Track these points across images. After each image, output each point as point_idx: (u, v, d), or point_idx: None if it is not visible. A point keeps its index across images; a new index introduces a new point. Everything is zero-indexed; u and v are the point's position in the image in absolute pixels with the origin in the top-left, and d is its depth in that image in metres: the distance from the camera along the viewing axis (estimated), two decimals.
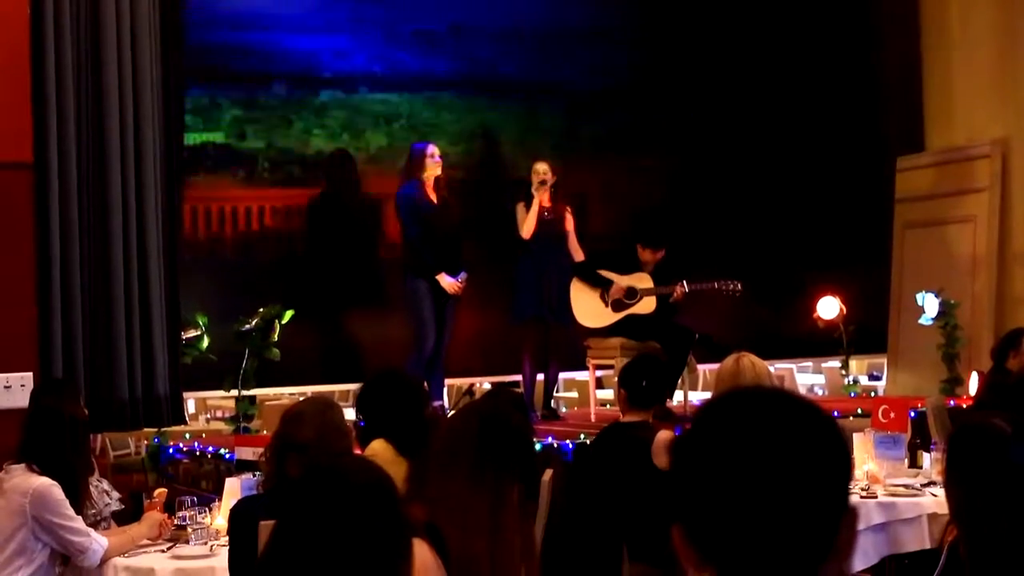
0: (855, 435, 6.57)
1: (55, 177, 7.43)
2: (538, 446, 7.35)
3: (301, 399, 6.12)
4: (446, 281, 8.45)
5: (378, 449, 4.68)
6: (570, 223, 8.82)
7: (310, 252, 9.53)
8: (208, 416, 10.78)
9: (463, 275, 8.54)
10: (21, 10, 7.42)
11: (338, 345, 9.61)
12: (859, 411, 8.43)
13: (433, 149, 8.64)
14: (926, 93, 11.23)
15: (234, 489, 5.27)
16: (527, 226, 8.61)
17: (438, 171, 8.62)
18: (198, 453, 7.87)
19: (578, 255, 8.79)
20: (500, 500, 2.99)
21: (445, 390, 9.05)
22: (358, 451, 4.64)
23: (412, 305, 8.52)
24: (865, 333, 10.67)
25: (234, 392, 8.13)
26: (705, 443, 1.58)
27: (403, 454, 4.40)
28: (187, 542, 5.14)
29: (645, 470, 5.56)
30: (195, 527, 5.19)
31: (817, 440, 1.57)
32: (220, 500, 5.45)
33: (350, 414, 5.41)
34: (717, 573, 1.55)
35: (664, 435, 5.69)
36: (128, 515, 5.82)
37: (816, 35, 11.17)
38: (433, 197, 8.59)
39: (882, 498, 6.00)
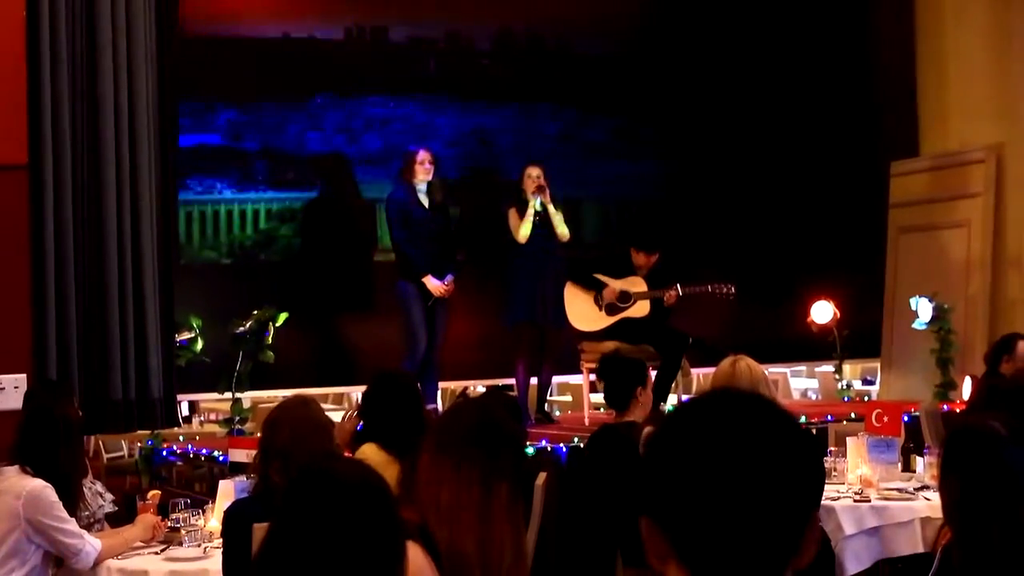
0: (849, 439, 6.58)
1: (50, 179, 7.42)
2: (532, 449, 7.35)
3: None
4: (432, 283, 8.46)
5: (368, 453, 4.70)
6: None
7: (305, 255, 9.53)
8: (202, 418, 10.77)
9: (450, 277, 8.54)
10: (17, 11, 7.41)
11: (332, 348, 9.62)
12: (853, 415, 8.43)
13: (424, 155, 8.62)
14: (921, 98, 11.24)
15: (227, 491, 5.26)
16: (523, 231, 8.60)
17: (428, 177, 8.61)
18: (192, 455, 7.87)
19: (564, 236, 8.70)
20: (489, 501, 2.99)
21: (439, 393, 9.04)
22: (347, 454, 4.66)
23: (402, 308, 8.53)
24: (859, 337, 10.67)
25: (228, 394, 8.13)
26: (681, 439, 1.61)
27: (399, 457, 4.40)
28: (180, 544, 5.14)
29: (633, 470, 5.54)
30: (188, 529, 5.18)
31: (789, 446, 1.59)
32: (213, 502, 5.44)
33: (337, 416, 5.47)
34: (682, 567, 1.57)
35: (650, 431, 5.69)
36: (121, 517, 5.81)
37: (812, 40, 11.18)
38: (424, 201, 8.59)
39: (875, 502, 6.01)
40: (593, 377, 8.92)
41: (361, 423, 5.02)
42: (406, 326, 8.51)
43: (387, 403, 4.91)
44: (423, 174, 8.59)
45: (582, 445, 7.15)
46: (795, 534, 1.57)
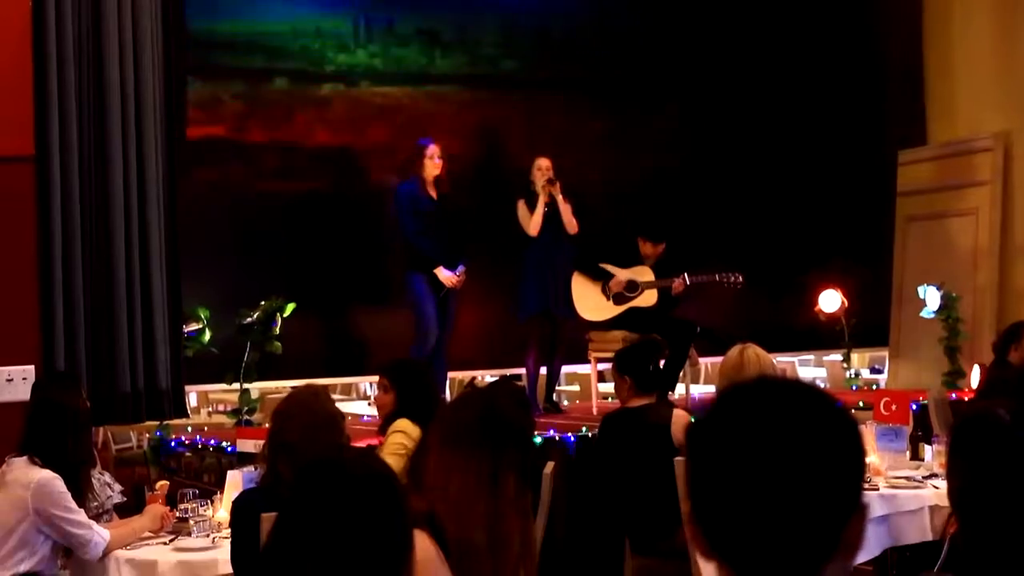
0: None
1: (57, 171, 7.43)
2: (540, 439, 7.35)
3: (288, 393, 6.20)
4: (444, 275, 8.44)
5: (405, 426, 4.96)
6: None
7: (312, 245, 9.52)
8: (210, 409, 10.78)
9: (461, 268, 8.52)
10: (23, 3, 7.42)
11: (340, 338, 9.63)
12: (861, 404, 8.42)
13: (433, 149, 8.58)
14: (928, 87, 11.22)
15: (236, 482, 5.27)
16: (534, 224, 8.60)
17: (437, 171, 8.58)
18: (200, 446, 7.87)
19: (572, 227, 8.70)
20: (496, 491, 2.99)
21: (447, 383, 9.04)
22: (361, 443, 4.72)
23: (413, 301, 8.51)
24: (867, 326, 10.67)
25: (236, 385, 8.14)
26: (718, 430, 1.57)
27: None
28: (189, 534, 5.14)
29: (665, 452, 5.53)
30: (197, 520, 5.19)
31: (832, 436, 1.56)
32: (222, 493, 5.45)
33: (346, 407, 5.63)
34: (722, 562, 1.55)
35: (682, 413, 5.75)
36: (130, 508, 5.83)
37: (818, 29, 11.16)
38: (433, 193, 8.57)
39: (884, 490, 6.00)
40: (602, 366, 8.93)
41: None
42: (417, 318, 8.48)
43: (416, 384, 5.33)
44: (432, 168, 8.56)
45: (590, 435, 7.16)
46: (834, 529, 1.53)
